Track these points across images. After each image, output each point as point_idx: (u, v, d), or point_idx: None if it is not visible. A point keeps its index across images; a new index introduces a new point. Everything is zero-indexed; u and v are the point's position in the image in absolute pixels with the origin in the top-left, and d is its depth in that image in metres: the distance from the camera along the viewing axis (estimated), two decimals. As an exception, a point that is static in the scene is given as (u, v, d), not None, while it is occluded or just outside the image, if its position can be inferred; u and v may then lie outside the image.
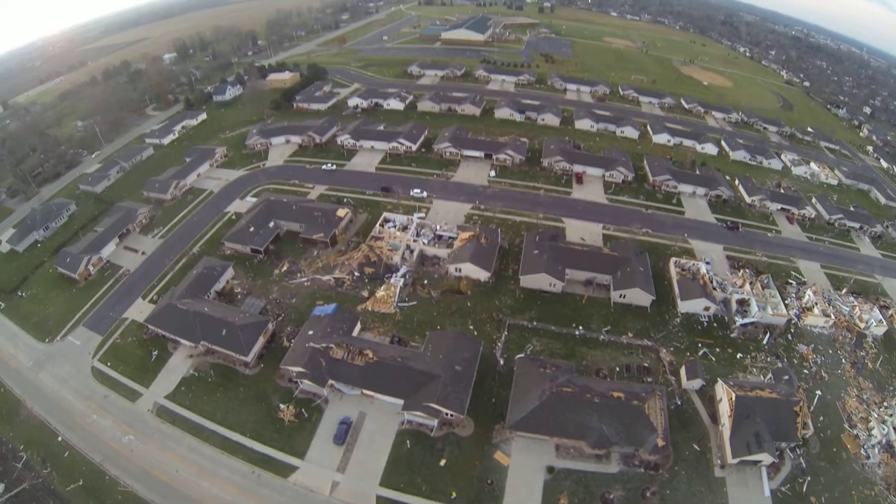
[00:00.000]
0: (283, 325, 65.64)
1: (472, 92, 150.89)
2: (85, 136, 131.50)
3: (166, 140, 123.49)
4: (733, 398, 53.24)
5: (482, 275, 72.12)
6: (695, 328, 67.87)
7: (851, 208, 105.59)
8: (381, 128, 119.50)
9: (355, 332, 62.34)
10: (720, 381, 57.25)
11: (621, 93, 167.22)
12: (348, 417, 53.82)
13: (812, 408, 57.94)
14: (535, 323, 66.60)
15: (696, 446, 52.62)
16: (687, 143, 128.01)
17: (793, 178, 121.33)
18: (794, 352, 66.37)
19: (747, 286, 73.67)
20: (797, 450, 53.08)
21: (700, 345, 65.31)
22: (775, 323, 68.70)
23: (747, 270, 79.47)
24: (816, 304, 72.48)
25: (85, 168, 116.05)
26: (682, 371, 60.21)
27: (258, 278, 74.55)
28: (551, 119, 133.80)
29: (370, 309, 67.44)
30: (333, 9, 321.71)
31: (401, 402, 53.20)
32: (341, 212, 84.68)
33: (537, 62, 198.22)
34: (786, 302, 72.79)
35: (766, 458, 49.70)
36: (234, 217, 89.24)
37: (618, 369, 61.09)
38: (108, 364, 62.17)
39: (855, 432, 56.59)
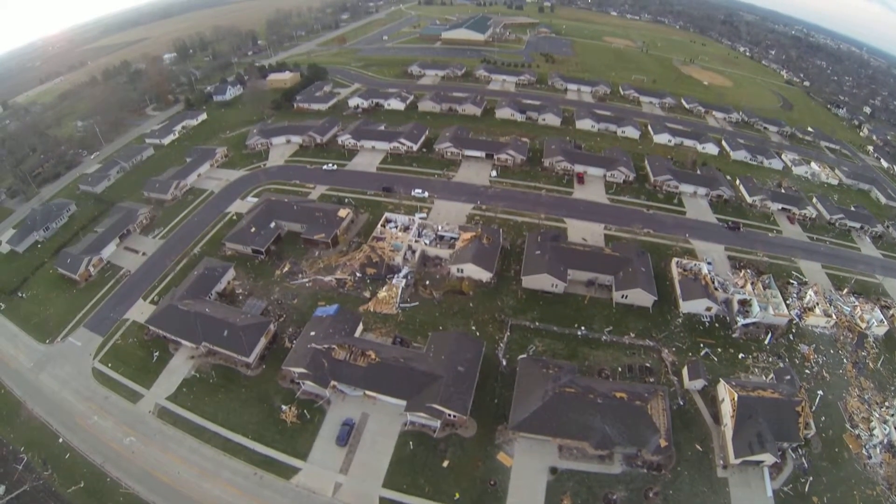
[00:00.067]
0: (284, 326, 65.54)
1: (473, 92, 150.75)
2: (85, 137, 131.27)
3: (166, 140, 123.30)
4: (735, 398, 53.23)
5: (484, 275, 72.05)
6: (696, 328, 67.87)
7: (852, 208, 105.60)
8: (382, 128, 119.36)
9: (357, 333, 62.24)
10: (722, 382, 57.25)
11: (622, 93, 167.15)
12: (351, 419, 53.73)
13: (814, 408, 57.97)
14: (537, 323, 66.56)
15: (698, 447, 52.63)
16: (688, 143, 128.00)
17: (793, 177, 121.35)
18: (796, 352, 66.38)
19: (749, 286, 73.67)
20: (799, 450, 53.12)
21: (702, 345, 65.32)
22: (777, 323, 68.72)
23: (749, 271, 79.44)
24: (818, 304, 72.49)
25: (85, 168, 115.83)
26: (685, 371, 60.19)
27: (259, 279, 74.43)
28: (552, 119, 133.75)
29: (372, 310, 67.35)
30: (333, 8, 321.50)
31: (403, 403, 53.11)
32: (343, 212, 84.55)
33: (538, 62, 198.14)
34: (787, 302, 72.79)
35: (768, 459, 49.69)
36: (234, 217, 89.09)
37: (620, 370, 61.07)
38: (109, 365, 62.04)
39: (856, 432, 56.60)
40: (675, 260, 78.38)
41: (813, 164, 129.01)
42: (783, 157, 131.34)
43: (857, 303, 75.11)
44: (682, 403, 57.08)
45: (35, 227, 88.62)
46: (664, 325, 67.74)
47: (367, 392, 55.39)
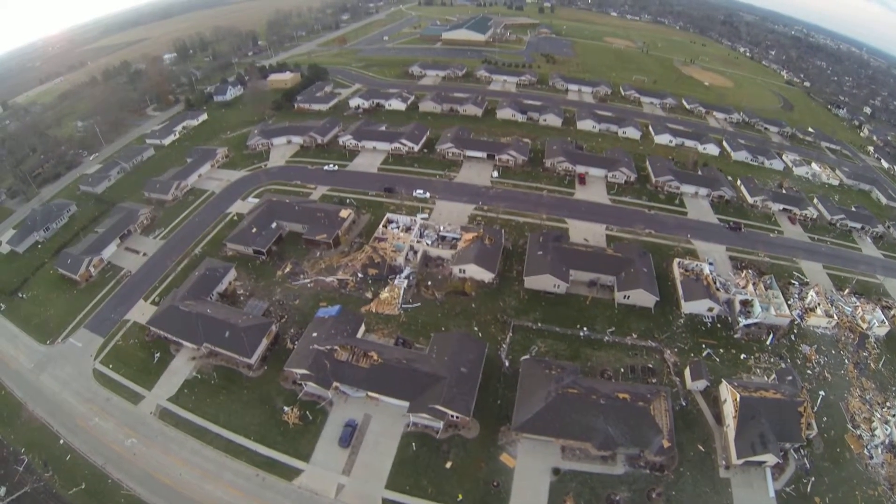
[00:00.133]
0: (286, 327, 65.39)
1: (474, 92, 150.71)
2: (85, 137, 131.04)
3: (167, 140, 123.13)
4: (738, 399, 53.21)
5: (486, 276, 71.97)
6: (698, 329, 67.84)
7: (853, 209, 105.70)
8: (383, 128, 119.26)
9: (359, 334, 62.15)
10: (724, 382, 57.23)
11: (623, 93, 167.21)
12: (353, 420, 53.59)
13: (815, 408, 57.95)
14: (539, 324, 66.49)
15: (700, 447, 52.59)
16: (689, 143, 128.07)
17: (794, 178, 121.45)
18: (798, 352, 66.37)
19: (750, 287, 73.66)
20: (801, 450, 53.10)
21: (704, 346, 65.30)
22: (778, 324, 68.71)
23: (750, 271, 79.46)
24: (819, 304, 72.50)
25: (85, 168, 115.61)
26: (687, 372, 60.14)
27: (261, 280, 74.30)
28: (553, 120, 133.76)
29: (374, 310, 67.22)
30: (333, 9, 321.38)
31: (406, 404, 53.00)
32: (344, 213, 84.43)
33: (538, 62, 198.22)
34: (789, 303, 72.79)
35: (770, 459, 49.65)
36: (235, 218, 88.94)
37: (622, 370, 61.02)
38: (110, 366, 61.85)
39: (858, 433, 56.60)
40: (676, 260, 78.37)
41: (814, 165, 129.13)
42: (784, 157, 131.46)
43: (858, 303, 75.13)
44: (684, 404, 57.03)
45: (35, 227, 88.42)
46: (666, 325, 67.71)
47: (370, 393, 55.27)
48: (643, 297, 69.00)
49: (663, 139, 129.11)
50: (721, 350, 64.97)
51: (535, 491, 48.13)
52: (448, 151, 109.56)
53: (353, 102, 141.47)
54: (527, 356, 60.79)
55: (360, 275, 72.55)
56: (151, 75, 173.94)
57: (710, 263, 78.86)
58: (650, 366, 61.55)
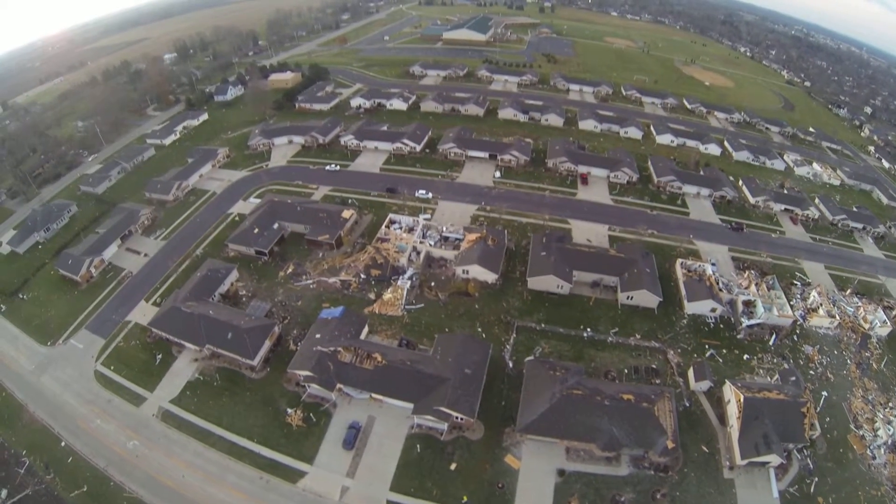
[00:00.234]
0: (289, 328, 65.19)
1: (475, 92, 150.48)
2: (85, 137, 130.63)
3: (168, 140, 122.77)
4: (741, 399, 53.17)
5: (490, 277, 71.81)
6: (701, 329, 67.79)
7: (854, 209, 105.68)
8: (385, 128, 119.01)
9: (363, 336, 61.99)
10: (728, 383, 57.17)
11: (624, 93, 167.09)
12: (357, 422, 53.40)
13: (818, 409, 57.97)
14: (543, 325, 66.37)
15: (704, 448, 52.54)
16: (690, 143, 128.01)
17: (796, 178, 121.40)
18: (800, 353, 66.33)
19: (753, 287, 73.60)
20: (804, 451, 53.08)
21: (707, 346, 65.24)
22: (781, 324, 68.68)
23: (753, 271, 79.43)
24: (821, 305, 72.47)
25: (86, 169, 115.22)
26: (690, 373, 60.09)
27: (263, 280, 74.05)
28: (555, 120, 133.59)
29: (377, 312, 67.01)
30: (334, 9, 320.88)
31: (410, 405, 52.89)
32: (346, 213, 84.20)
33: (539, 62, 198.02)
34: (791, 303, 72.76)
35: (774, 460, 49.65)
36: (237, 218, 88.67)
37: (626, 371, 60.95)
38: (112, 368, 61.57)
39: (861, 433, 56.60)
40: (679, 261, 78.30)
41: (815, 165, 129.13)
42: (785, 157, 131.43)
43: (860, 303, 75.12)
44: (688, 405, 56.97)
45: (36, 227, 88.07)
46: (669, 326, 67.64)
47: (374, 395, 55.10)
48: (646, 298, 68.91)
49: (665, 139, 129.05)
50: (724, 351, 64.91)
51: (539, 492, 48.02)
52: (450, 151, 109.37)
53: (355, 102, 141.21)
54: (531, 357, 60.70)
55: (362, 276, 72.34)
56: (152, 75, 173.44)
57: (713, 264, 78.79)
58: (654, 366, 61.47)
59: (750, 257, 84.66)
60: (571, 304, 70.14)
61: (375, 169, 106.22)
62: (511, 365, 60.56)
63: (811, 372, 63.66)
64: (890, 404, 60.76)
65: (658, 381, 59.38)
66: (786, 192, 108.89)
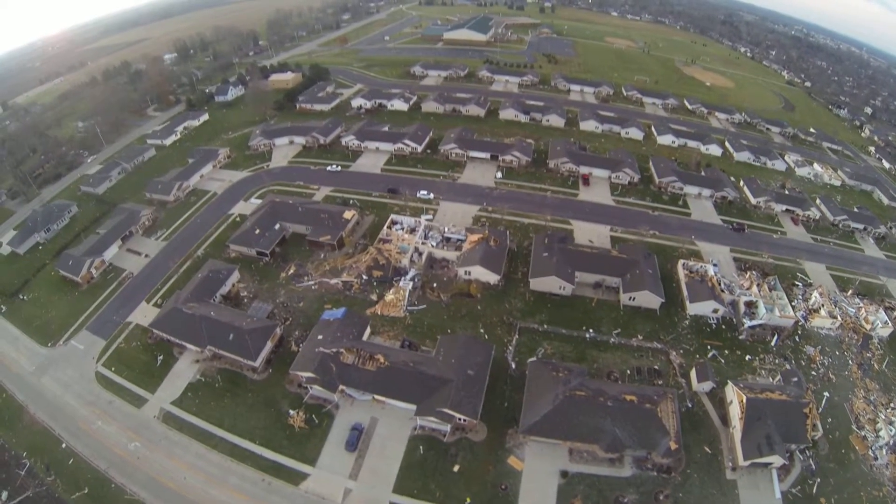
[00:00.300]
0: (290, 330, 65.04)
1: (476, 93, 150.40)
2: (86, 137, 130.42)
3: (168, 141, 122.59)
4: (744, 400, 53.11)
5: (492, 277, 71.70)
6: (704, 330, 67.76)
7: (855, 209, 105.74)
8: (386, 129, 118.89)
9: (365, 337, 61.84)
10: (730, 384, 57.14)
11: (625, 94, 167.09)
12: (360, 423, 53.28)
13: (820, 409, 57.94)
14: (545, 326, 66.31)
15: (707, 449, 52.52)
16: (691, 144, 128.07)
17: (796, 179, 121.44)
18: (802, 353, 66.33)
19: (755, 288, 73.58)
20: (807, 451, 53.05)
21: (709, 347, 65.20)
22: (783, 325, 68.68)
23: (754, 272, 79.43)
24: (823, 305, 72.47)
25: (86, 169, 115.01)
26: (693, 373, 60.06)
27: (265, 281, 73.90)
28: (556, 120, 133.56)
29: (379, 313, 66.88)
30: (334, 9, 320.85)
31: (413, 407, 52.78)
32: (348, 214, 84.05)
33: (540, 63, 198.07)
34: (793, 304, 72.75)
35: (776, 460, 49.64)
36: (238, 219, 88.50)
37: (629, 372, 60.88)
38: (113, 369, 61.42)
39: (863, 433, 56.60)
40: (681, 262, 78.29)
41: (816, 166, 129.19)
42: (786, 158, 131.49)
43: (861, 304, 75.14)
44: (690, 406, 56.92)
45: (36, 228, 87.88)
46: (671, 327, 67.59)
47: (376, 396, 54.96)
48: (648, 299, 68.86)
49: (666, 140, 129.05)
50: (726, 351, 64.89)
51: (543, 494, 47.95)
52: (451, 152, 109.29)
53: (356, 103, 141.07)
54: (533, 358, 60.64)
55: (364, 276, 72.21)
56: (152, 75, 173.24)
57: (715, 265, 78.77)
58: (656, 367, 61.43)
59: (751, 258, 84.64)
60: (574, 305, 70.07)
61: (377, 169, 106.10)
62: (514, 366, 60.47)
63: (813, 373, 63.64)
64: (891, 405, 60.74)
65: (660, 382, 59.35)
66: (787, 192, 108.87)
